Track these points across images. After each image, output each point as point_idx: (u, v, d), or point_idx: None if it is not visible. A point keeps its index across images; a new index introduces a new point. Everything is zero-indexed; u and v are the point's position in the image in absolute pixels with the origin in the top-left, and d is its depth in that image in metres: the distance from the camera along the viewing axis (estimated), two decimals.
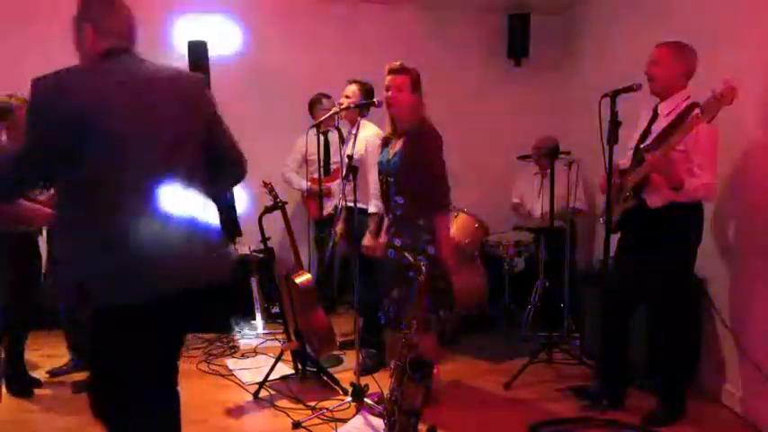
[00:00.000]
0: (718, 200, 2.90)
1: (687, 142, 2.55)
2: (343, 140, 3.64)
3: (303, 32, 4.86)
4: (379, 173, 3.00)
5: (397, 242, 2.88)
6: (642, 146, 2.76)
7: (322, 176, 3.51)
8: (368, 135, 3.39)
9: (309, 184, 4.24)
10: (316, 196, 4.33)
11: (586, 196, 4.32)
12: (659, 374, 2.91)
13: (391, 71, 2.83)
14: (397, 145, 2.88)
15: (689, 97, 2.67)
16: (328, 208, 3.96)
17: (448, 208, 2.86)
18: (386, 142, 3.01)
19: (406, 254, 2.68)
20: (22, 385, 3.13)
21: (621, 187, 2.80)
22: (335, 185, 4.17)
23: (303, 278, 3.26)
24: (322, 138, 4.20)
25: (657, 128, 2.72)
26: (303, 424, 2.75)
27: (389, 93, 2.83)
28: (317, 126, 3.40)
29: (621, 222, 2.84)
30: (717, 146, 2.60)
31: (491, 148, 4.98)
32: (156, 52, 4.50)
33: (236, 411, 2.97)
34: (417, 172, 2.78)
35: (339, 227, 3.59)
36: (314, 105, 4.32)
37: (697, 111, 2.42)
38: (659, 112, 2.77)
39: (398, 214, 2.89)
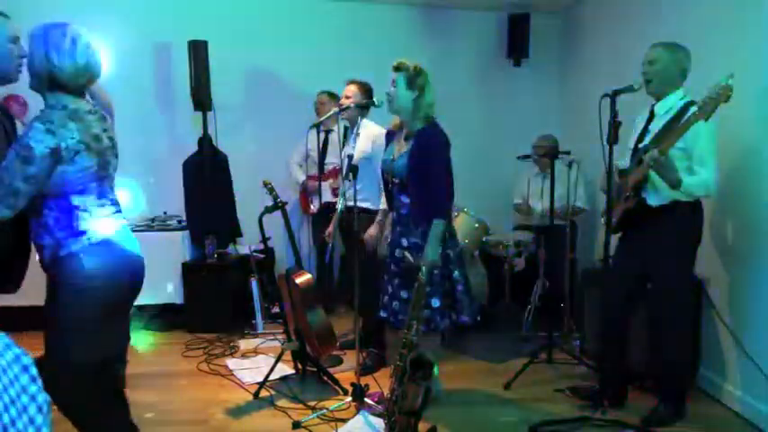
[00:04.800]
0: (718, 199, 2.90)
1: (686, 140, 2.55)
2: (345, 138, 3.64)
3: (303, 32, 4.87)
4: (383, 171, 3.00)
5: (405, 242, 2.88)
6: (641, 146, 2.76)
7: (317, 174, 3.58)
8: (374, 133, 3.38)
9: (304, 179, 4.51)
10: (307, 192, 4.52)
11: (587, 196, 4.32)
12: (659, 374, 2.92)
13: (392, 68, 2.86)
14: (404, 146, 2.88)
15: (685, 96, 2.68)
16: (317, 205, 4.00)
17: (447, 213, 2.84)
18: (389, 138, 3.00)
19: (406, 254, 2.68)
20: None
21: (622, 187, 2.80)
22: (327, 185, 4.19)
23: (303, 278, 3.26)
24: (322, 136, 4.26)
25: (655, 127, 2.73)
26: (303, 424, 2.76)
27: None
28: (317, 126, 3.41)
29: (622, 222, 2.84)
30: (715, 143, 2.60)
31: (491, 148, 4.99)
32: (156, 52, 4.59)
33: (236, 411, 2.97)
34: (423, 176, 2.77)
35: (329, 229, 3.57)
36: (321, 105, 4.38)
37: (694, 109, 2.43)
38: (656, 111, 2.77)
39: (404, 213, 2.88)
